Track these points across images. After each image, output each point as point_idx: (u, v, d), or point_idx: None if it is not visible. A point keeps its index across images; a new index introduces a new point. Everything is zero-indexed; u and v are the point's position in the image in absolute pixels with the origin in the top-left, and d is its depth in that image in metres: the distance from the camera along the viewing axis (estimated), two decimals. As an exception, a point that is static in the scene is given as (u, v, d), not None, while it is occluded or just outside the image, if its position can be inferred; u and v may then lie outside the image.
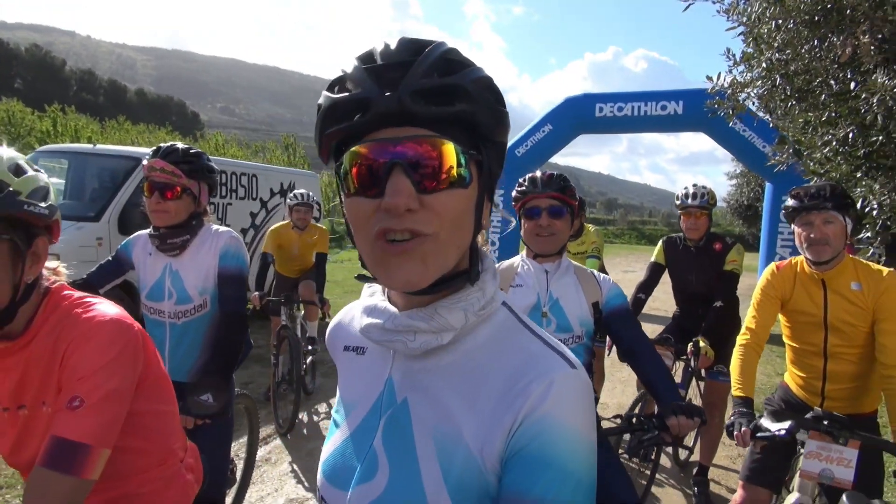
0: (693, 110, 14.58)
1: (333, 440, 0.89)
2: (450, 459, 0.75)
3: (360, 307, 0.88)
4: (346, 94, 0.73)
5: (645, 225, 58.34)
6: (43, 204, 1.18)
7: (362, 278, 0.85)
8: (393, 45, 0.74)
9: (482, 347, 0.81)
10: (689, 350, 3.69)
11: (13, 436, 1.24)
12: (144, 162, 2.36)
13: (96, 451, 1.10)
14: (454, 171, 0.72)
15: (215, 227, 2.47)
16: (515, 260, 2.40)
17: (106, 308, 1.24)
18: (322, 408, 5.54)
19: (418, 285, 0.73)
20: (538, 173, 2.20)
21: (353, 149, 0.72)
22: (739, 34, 4.17)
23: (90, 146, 8.09)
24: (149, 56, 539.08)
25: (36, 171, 1.22)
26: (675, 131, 15.89)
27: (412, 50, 0.73)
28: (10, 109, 33.14)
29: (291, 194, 5.85)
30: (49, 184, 1.25)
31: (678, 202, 3.96)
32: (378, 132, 0.72)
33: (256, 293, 5.07)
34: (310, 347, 5.77)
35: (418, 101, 0.70)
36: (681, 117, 14.77)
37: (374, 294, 0.87)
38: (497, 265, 2.38)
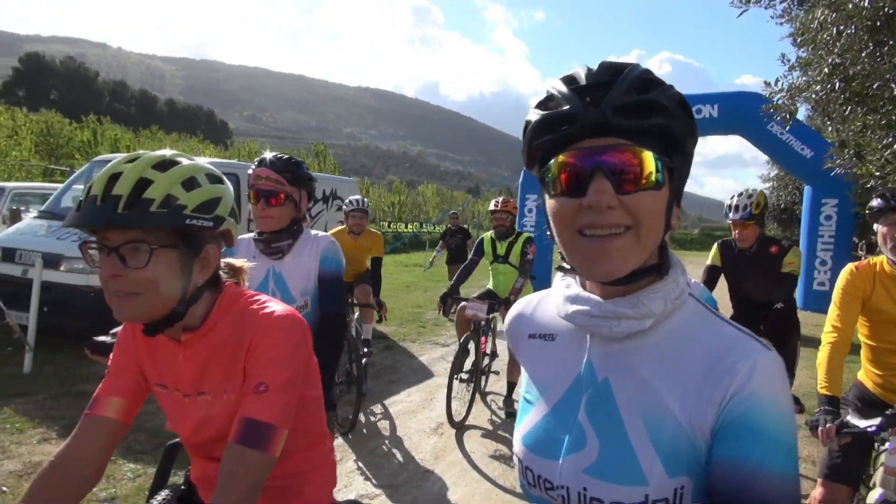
0: (729, 113, 14.52)
1: (530, 417, 1.01)
2: (659, 431, 0.86)
3: (555, 297, 1.00)
4: (555, 110, 0.85)
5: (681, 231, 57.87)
6: (208, 216, 1.28)
7: (561, 269, 0.97)
8: (594, 69, 0.87)
9: (678, 332, 0.92)
10: None
11: (194, 420, 1.37)
12: (249, 171, 2.51)
13: (280, 432, 1.24)
14: (652, 177, 0.84)
15: (314, 231, 2.62)
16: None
17: (277, 305, 1.37)
18: (377, 408, 5.68)
19: (616, 275, 0.85)
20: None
21: (561, 157, 0.85)
22: (795, 40, 4.24)
23: (145, 156, 8.34)
24: (176, 66, 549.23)
25: (217, 180, 1.34)
26: (710, 135, 15.80)
27: (612, 71, 0.86)
28: (48, 121, 34.02)
29: (348, 200, 6.02)
30: (223, 194, 1.34)
31: (725, 212, 4.00)
32: (582, 142, 0.84)
33: None
34: (365, 350, 5.92)
35: (619, 114, 0.82)
36: (716, 121, 14.70)
37: (570, 286, 0.98)
38: None
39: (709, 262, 4.26)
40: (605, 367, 0.95)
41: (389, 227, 23.05)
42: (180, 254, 1.24)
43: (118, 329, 2.37)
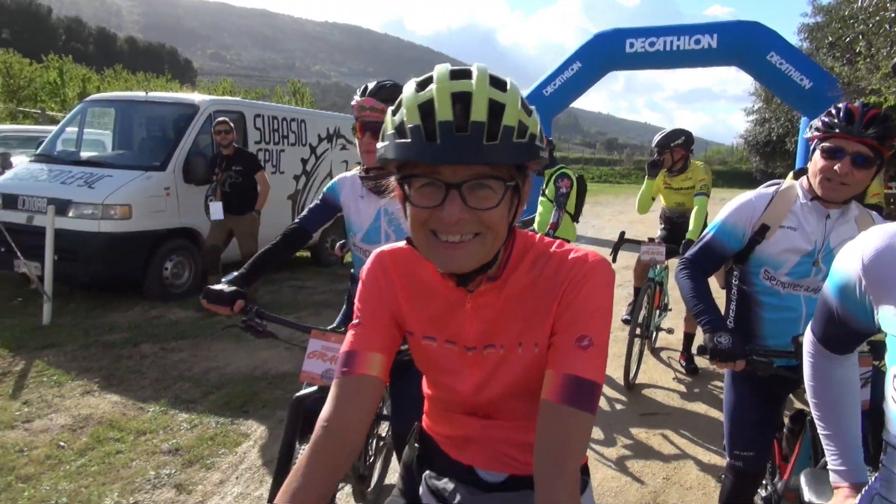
0: (727, 43, 14.24)
1: None
2: None
3: None
4: None
5: (652, 164, 57.71)
6: (544, 145, 1.08)
7: None
8: None
9: None
10: None
11: (478, 375, 1.21)
12: (353, 102, 2.28)
13: (600, 391, 1.10)
14: None
15: None
16: (793, 189, 2.12)
17: (581, 249, 1.19)
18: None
19: None
20: (858, 106, 1.90)
21: None
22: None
23: (142, 94, 7.91)
24: (133, 2, 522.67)
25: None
26: (707, 66, 15.55)
27: None
28: (7, 61, 32.17)
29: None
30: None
31: None
32: None
33: (339, 244, 5.00)
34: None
35: None
36: (714, 51, 14.42)
37: None
38: (774, 187, 2.16)
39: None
40: None
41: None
42: (513, 190, 1.06)
43: (232, 276, 2.20)
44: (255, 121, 7.99)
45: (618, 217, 17.49)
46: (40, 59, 35.04)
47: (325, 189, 2.49)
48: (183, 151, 6.98)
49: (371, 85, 2.30)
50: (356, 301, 1.25)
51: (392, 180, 1.10)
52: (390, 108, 1.05)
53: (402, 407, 2.37)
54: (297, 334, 2.27)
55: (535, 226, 5.51)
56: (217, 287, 2.08)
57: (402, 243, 1.25)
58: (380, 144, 1.04)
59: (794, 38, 20.40)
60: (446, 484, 1.28)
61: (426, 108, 0.98)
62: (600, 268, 1.13)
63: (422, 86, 1.02)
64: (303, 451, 2.04)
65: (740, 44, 14.28)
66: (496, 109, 0.97)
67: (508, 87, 1.02)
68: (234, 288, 2.09)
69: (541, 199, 5.38)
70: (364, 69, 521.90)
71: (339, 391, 1.15)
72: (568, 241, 1.22)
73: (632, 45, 15.18)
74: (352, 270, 2.53)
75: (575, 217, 5.21)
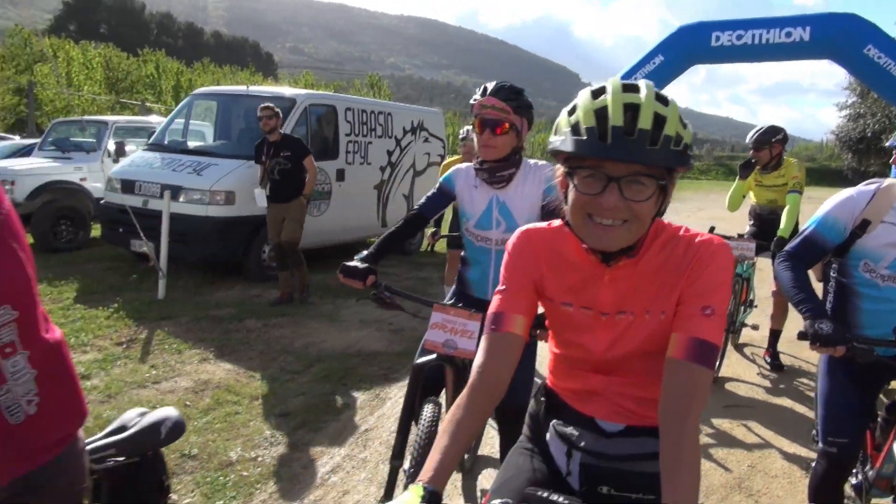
0: (821, 36, 13.71)
1: None
2: None
3: None
4: None
5: (733, 160, 55.64)
6: (693, 153, 1.29)
7: None
8: None
9: None
10: None
11: (609, 336, 1.42)
12: (473, 101, 2.49)
13: (719, 352, 1.29)
14: None
15: (532, 161, 2.62)
16: (894, 187, 2.22)
17: (705, 233, 1.39)
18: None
19: None
20: None
21: None
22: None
23: (244, 88, 8.43)
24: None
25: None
26: (798, 59, 14.96)
27: None
28: (106, 54, 34.29)
29: (463, 130, 6.01)
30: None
31: None
32: None
33: (431, 232, 5.21)
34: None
35: None
36: (806, 44, 13.89)
37: None
38: (875, 185, 2.25)
39: None
40: None
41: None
42: (661, 188, 1.27)
43: (363, 255, 2.48)
44: (346, 114, 8.37)
45: (697, 213, 17.12)
46: (135, 53, 37.21)
47: (440, 179, 2.72)
48: (281, 142, 7.42)
49: (490, 86, 2.50)
50: (502, 269, 1.48)
51: (559, 169, 1.31)
52: (565, 109, 1.27)
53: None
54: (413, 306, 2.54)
55: None
56: (352, 263, 2.36)
57: (545, 224, 1.48)
58: (554, 137, 1.27)
59: (893, 30, 19.30)
60: (572, 430, 1.49)
61: (601, 114, 1.19)
62: (723, 250, 1.34)
63: (596, 94, 1.24)
64: (426, 408, 2.32)
65: (835, 37, 13.73)
66: (659, 121, 1.19)
67: (669, 103, 1.23)
68: (366, 265, 2.36)
69: None
70: (438, 62, 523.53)
71: (488, 345, 1.38)
72: None
73: (717, 39, 14.82)
74: (462, 253, 2.76)
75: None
